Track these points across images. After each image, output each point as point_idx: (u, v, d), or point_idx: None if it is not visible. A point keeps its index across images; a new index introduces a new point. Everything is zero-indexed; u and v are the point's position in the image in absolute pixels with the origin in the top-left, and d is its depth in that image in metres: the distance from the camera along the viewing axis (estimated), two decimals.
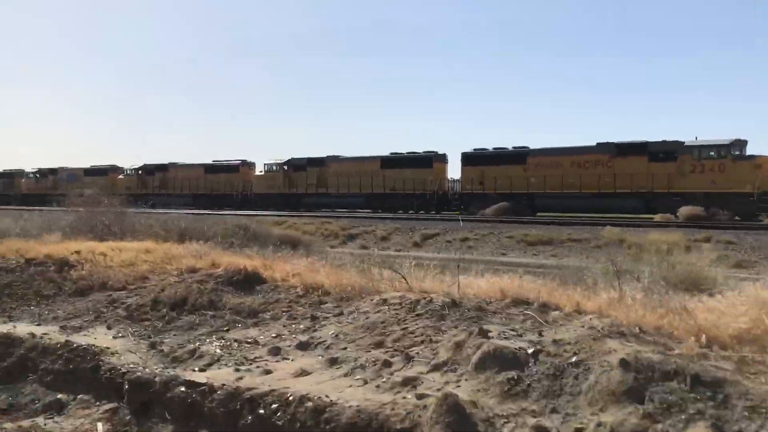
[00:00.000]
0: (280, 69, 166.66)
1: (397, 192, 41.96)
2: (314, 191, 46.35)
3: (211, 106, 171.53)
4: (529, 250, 15.76)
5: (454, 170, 42.28)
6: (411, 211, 40.88)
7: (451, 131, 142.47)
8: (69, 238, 12.77)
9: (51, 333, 7.38)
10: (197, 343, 6.57)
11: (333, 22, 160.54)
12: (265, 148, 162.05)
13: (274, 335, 6.65)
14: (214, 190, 51.70)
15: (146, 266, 9.57)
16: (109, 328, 7.58)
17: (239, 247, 12.47)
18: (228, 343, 6.50)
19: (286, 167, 48.23)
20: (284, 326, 6.91)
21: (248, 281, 8.37)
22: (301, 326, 6.81)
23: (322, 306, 7.27)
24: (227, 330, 7.06)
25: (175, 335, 7.07)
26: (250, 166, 52.54)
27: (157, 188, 56.01)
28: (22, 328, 7.70)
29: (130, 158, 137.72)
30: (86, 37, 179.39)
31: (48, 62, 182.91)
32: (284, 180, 47.96)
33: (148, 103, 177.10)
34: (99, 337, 7.16)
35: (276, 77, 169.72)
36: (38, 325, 8.06)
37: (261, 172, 50.06)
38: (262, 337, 6.66)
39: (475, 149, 39.71)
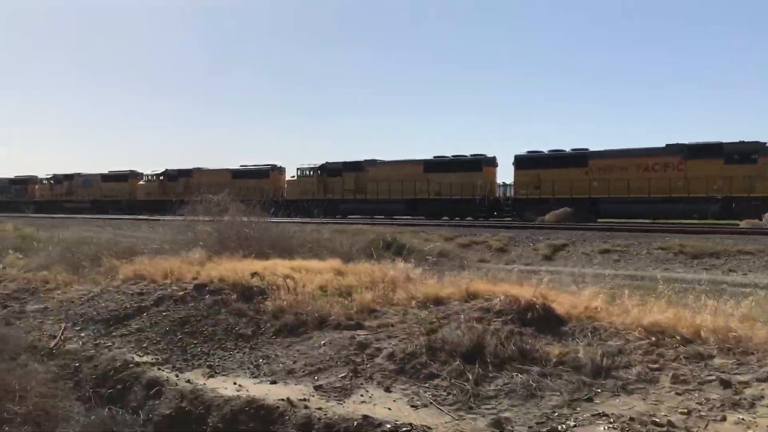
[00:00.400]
0: (304, 67, 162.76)
1: (442, 197, 40.13)
2: (351, 197, 44.44)
3: (225, 110, 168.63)
4: (693, 263, 13.96)
5: (502, 174, 40.66)
6: (457, 218, 39.14)
7: (491, 134, 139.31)
8: (213, 254, 10.80)
9: (309, 398, 5.44)
10: (565, 424, 4.63)
11: (364, 18, 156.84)
12: (290, 152, 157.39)
13: (681, 411, 4.67)
14: (242, 197, 49.58)
15: (368, 295, 7.59)
16: (387, 390, 5.59)
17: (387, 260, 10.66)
18: (623, 426, 4.53)
19: (320, 172, 46.29)
20: (678, 397, 4.88)
21: (545, 319, 6.44)
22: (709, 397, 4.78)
23: (710, 363, 5.23)
24: (588, 399, 5.10)
25: (514, 407, 5.09)
26: (281, 170, 50.55)
27: (181, 194, 53.78)
28: (257, 388, 5.77)
29: (131, 164, 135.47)
30: (90, 37, 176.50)
31: (51, 65, 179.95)
32: (319, 185, 46.01)
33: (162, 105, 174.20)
34: (388, 405, 5.24)
35: (304, 76, 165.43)
36: (263, 380, 6.14)
37: (293, 177, 48.07)
38: (661, 413, 4.68)
39: (528, 152, 37.94)
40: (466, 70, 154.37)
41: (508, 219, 36.54)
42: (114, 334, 7.75)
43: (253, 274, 8.63)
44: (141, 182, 57.48)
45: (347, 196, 44.59)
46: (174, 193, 54.26)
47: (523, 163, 37.37)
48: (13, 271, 11.05)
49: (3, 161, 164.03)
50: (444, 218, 39.51)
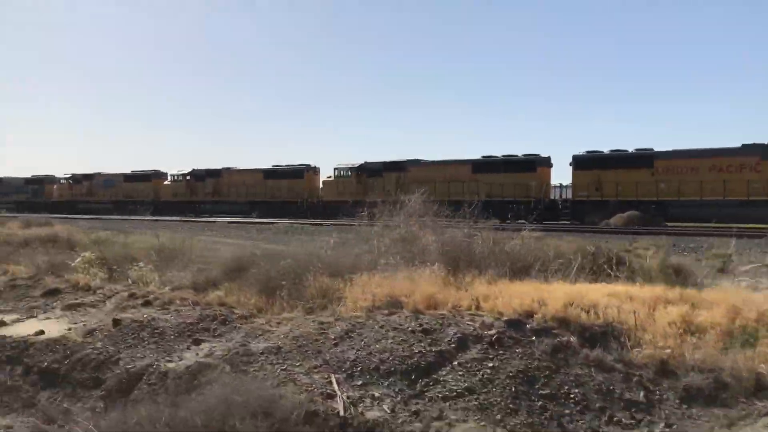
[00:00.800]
0: (343, 65, 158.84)
1: (493, 199, 38.36)
2: (391, 197, 42.61)
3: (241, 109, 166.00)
4: None
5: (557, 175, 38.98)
6: (507, 221, 37.40)
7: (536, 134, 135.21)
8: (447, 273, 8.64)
9: None
10: None
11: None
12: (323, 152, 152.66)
13: None
14: (275, 197, 47.91)
15: None
16: None
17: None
18: None
19: (358, 172, 44.52)
20: None
21: None
22: None
23: None
24: None
25: None
26: (315, 171, 48.80)
27: (209, 195, 52.12)
28: None
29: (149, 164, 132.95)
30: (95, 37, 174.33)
31: (62, 63, 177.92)
32: (357, 186, 44.20)
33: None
34: None
35: (339, 73, 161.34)
36: None
37: (329, 177, 46.29)
38: None
39: (587, 152, 36.21)
40: (505, 68, 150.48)
41: (564, 222, 34.85)
42: (427, 394, 5.40)
43: (590, 309, 6.39)
44: (166, 182, 55.67)
45: (388, 197, 42.75)
46: (202, 193, 52.59)
47: (582, 163, 35.63)
48: (151, 287, 9.21)
49: (18, 161, 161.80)
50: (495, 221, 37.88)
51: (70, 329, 7.73)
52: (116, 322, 7.27)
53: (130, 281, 9.71)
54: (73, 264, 10.77)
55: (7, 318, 9.00)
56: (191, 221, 39.92)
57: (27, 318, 8.70)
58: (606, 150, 35.78)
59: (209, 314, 6.83)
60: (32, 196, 65.48)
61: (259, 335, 6.06)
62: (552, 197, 37.85)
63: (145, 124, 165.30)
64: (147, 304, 8.30)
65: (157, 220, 40.20)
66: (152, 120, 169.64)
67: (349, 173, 44.85)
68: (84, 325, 7.80)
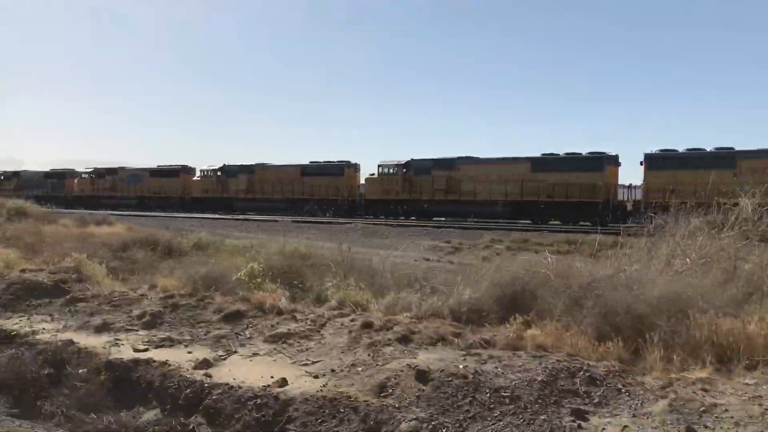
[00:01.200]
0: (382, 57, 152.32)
1: (555, 200, 36.42)
2: (442, 198, 40.59)
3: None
4: None
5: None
6: (570, 223, 35.45)
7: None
8: None
9: None
10: None
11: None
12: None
13: None
14: (312, 195, 45.77)
15: None
16: None
17: None
18: None
19: (405, 170, 42.39)
20: None
21: None
22: None
23: None
24: None
25: None
26: (356, 168, 46.69)
27: (242, 192, 49.95)
28: None
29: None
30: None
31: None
32: (404, 184, 42.09)
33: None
34: None
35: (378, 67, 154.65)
36: None
37: (373, 175, 44.11)
38: None
39: (661, 150, 34.17)
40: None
41: (634, 226, 32.82)
42: None
43: None
44: (195, 178, 53.45)
45: (438, 196, 40.76)
46: (234, 190, 50.42)
47: (655, 162, 33.57)
48: (376, 313, 6.97)
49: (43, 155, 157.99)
50: (555, 223, 35.97)
51: (318, 377, 5.56)
52: (421, 375, 5.12)
53: (334, 302, 7.56)
54: (235, 277, 8.65)
55: (198, 354, 6.40)
56: (246, 219, 37.83)
57: (226, 354, 6.56)
58: (681, 149, 33.80)
59: (559, 368, 4.72)
60: (51, 190, 63.19)
61: (697, 411, 3.97)
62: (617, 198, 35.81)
63: (171, 121, 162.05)
64: (405, 340, 6.12)
65: (212, 219, 37.98)
66: (156, 118, 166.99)
67: (395, 171, 42.72)
68: (332, 370, 5.63)
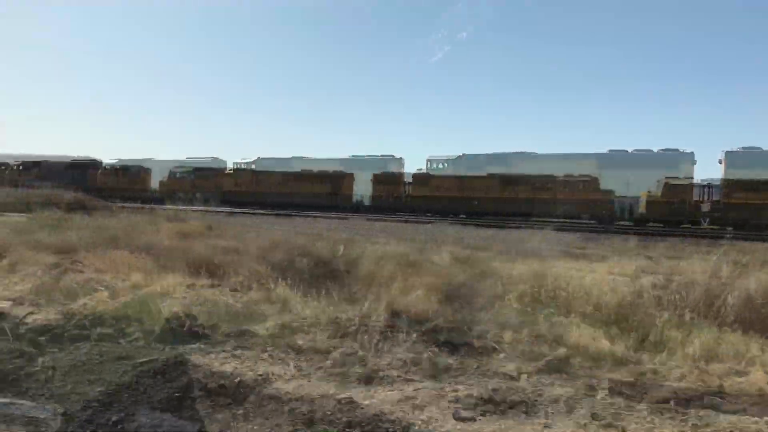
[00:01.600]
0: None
1: (624, 197, 34.48)
2: (497, 194, 38.58)
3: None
4: None
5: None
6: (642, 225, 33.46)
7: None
8: None
9: None
10: None
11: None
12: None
13: None
14: (355, 190, 43.78)
15: None
16: None
17: None
18: None
19: (456, 165, 40.48)
20: None
21: None
22: None
23: None
24: None
25: None
26: (400, 162, 44.66)
27: (278, 186, 47.88)
28: None
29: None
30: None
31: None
32: (456, 182, 40.10)
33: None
34: None
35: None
36: None
37: (420, 170, 42.11)
38: None
39: (743, 148, 32.24)
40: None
41: (711, 228, 30.74)
42: None
43: None
44: (227, 171, 51.45)
45: (491, 194, 38.75)
46: (269, 184, 48.37)
47: (737, 160, 31.64)
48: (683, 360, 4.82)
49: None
50: (622, 224, 33.94)
51: None
52: None
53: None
54: (503, 300, 6.47)
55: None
56: (325, 217, 34.56)
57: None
58: (763, 147, 31.84)
59: None
60: (72, 182, 60.95)
61: None
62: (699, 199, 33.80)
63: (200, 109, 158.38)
64: None
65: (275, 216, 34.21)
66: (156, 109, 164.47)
67: (446, 166, 40.76)
68: None
